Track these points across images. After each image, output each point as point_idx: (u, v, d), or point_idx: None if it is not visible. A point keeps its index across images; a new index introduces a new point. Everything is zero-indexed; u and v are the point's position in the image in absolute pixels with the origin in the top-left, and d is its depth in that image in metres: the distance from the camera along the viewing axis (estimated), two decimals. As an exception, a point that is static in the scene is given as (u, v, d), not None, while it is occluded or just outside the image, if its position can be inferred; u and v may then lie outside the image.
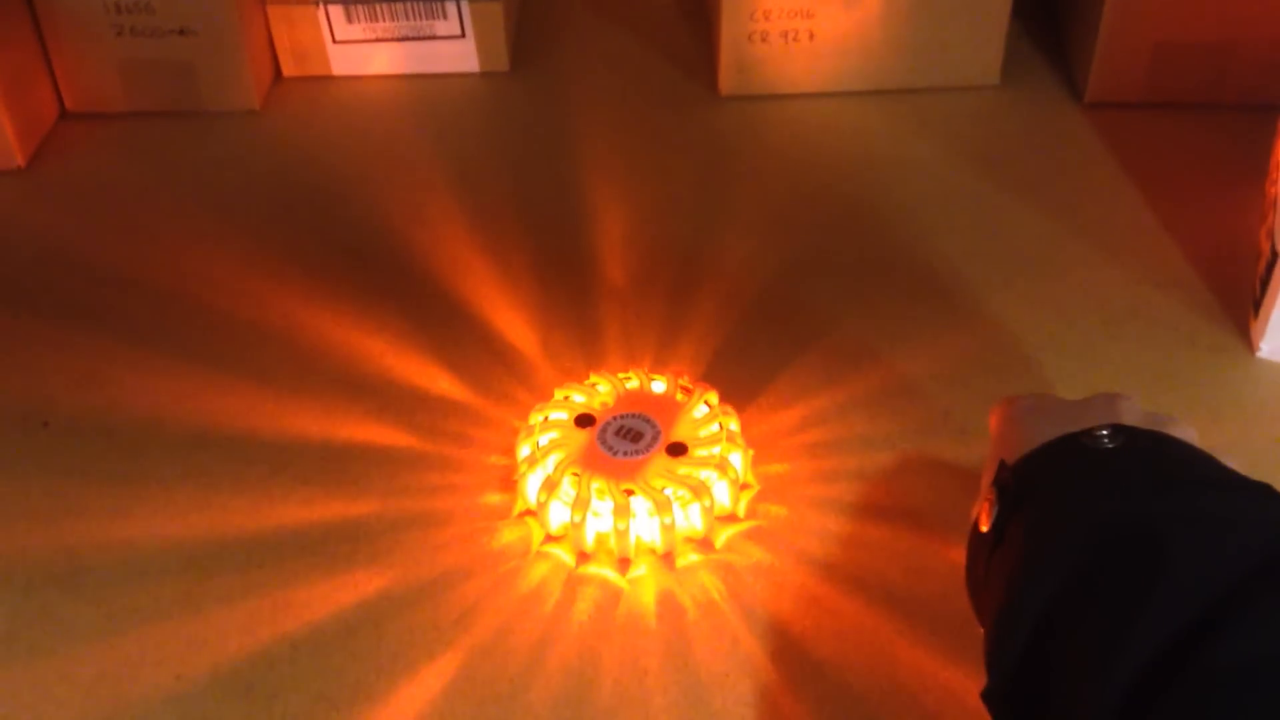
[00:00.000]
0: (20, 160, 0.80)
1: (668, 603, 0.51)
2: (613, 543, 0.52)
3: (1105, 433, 0.36)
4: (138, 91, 0.85)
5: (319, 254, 0.73)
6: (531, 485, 0.54)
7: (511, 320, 0.67)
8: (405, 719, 0.47)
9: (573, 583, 0.52)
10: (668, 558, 0.53)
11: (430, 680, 0.48)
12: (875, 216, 0.75)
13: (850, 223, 0.74)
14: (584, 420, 0.55)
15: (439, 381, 0.63)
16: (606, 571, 0.53)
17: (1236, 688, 0.27)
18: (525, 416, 0.57)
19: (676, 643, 0.50)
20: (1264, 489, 0.34)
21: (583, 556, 0.53)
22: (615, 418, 0.55)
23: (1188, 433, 0.41)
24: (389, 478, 0.58)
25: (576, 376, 0.60)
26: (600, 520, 0.52)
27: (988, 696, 0.35)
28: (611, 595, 0.52)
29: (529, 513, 0.55)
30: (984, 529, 0.38)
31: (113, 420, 0.61)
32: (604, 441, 0.54)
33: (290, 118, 0.86)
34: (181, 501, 0.57)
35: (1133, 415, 0.40)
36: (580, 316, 0.67)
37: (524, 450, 0.55)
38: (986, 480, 0.41)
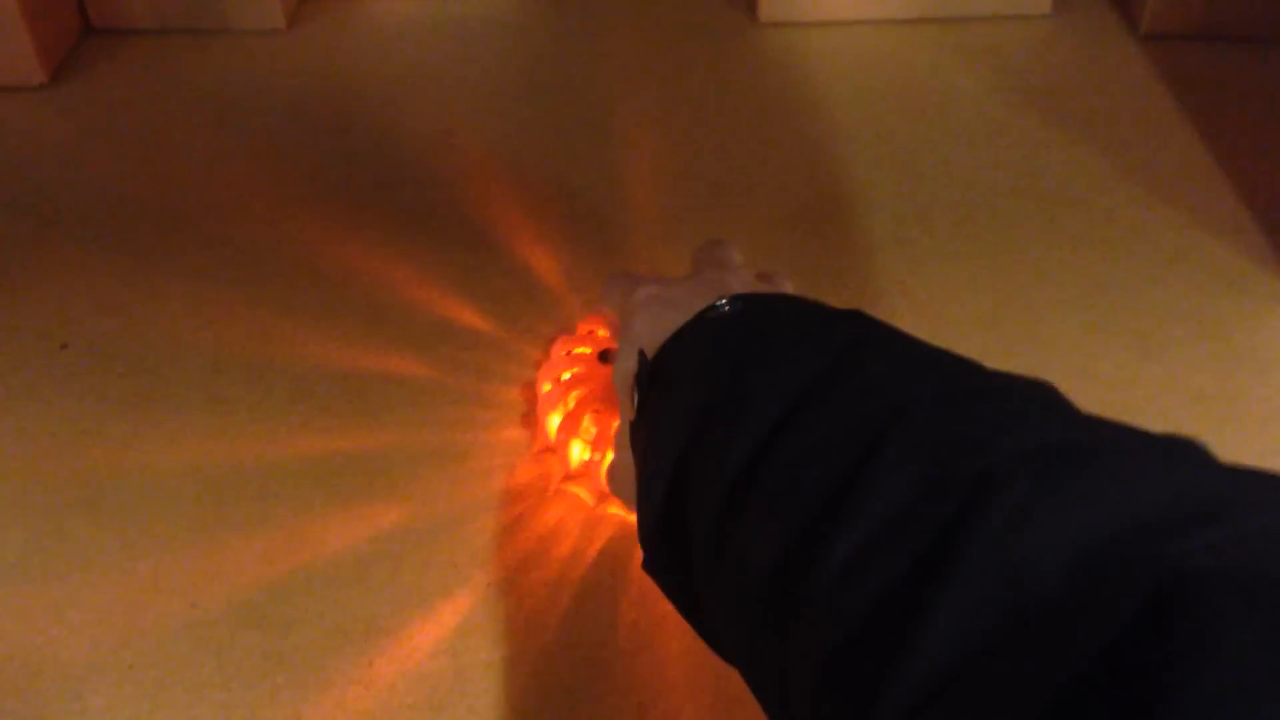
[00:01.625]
0: (44, 76, 0.79)
1: (688, 544, 0.50)
2: (634, 482, 0.51)
3: (724, 302, 0.39)
4: (163, 8, 0.83)
5: (343, 178, 0.71)
6: (552, 422, 0.53)
7: (537, 251, 0.65)
8: (419, 654, 0.46)
9: (591, 522, 0.51)
10: (690, 498, 0.52)
11: (445, 616, 0.48)
12: (916, 151, 0.72)
13: (890, 158, 0.72)
14: (607, 356, 0.54)
15: (461, 312, 0.62)
16: (625, 512, 0.52)
17: (789, 476, 0.30)
18: (548, 350, 0.56)
19: (696, 586, 0.49)
20: (850, 313, 0.37)
21: (602, 496, 0.52)
22: (640, 354, 0.54)
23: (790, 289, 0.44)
24: (408, 409, 0.57)
25: (601, 310, 0.59)
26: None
27: (646, 567, 0.38)
28: (630, 536, 0.51)
29: (549, 449, 0.54)
30: (631, 417, 0.40)
31: (131, 344, 0.61)
32: (627, 378, 0.52)
33: (316, 37, 0.84)
34: (199, 428, 0.56)
35: (741, 282, 0.42)
36: (606, 248, 0.65)
37: (545, 385, 0.54)
38: (616, 382, 0.43)
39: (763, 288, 0.43)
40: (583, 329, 0.56)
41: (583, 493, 0.52)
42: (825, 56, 0.81)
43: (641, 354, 0.40)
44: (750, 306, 0.39)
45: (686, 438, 0.35)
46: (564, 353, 0.55)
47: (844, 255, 0.64)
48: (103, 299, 0.63)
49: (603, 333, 0.55)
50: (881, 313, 0.60)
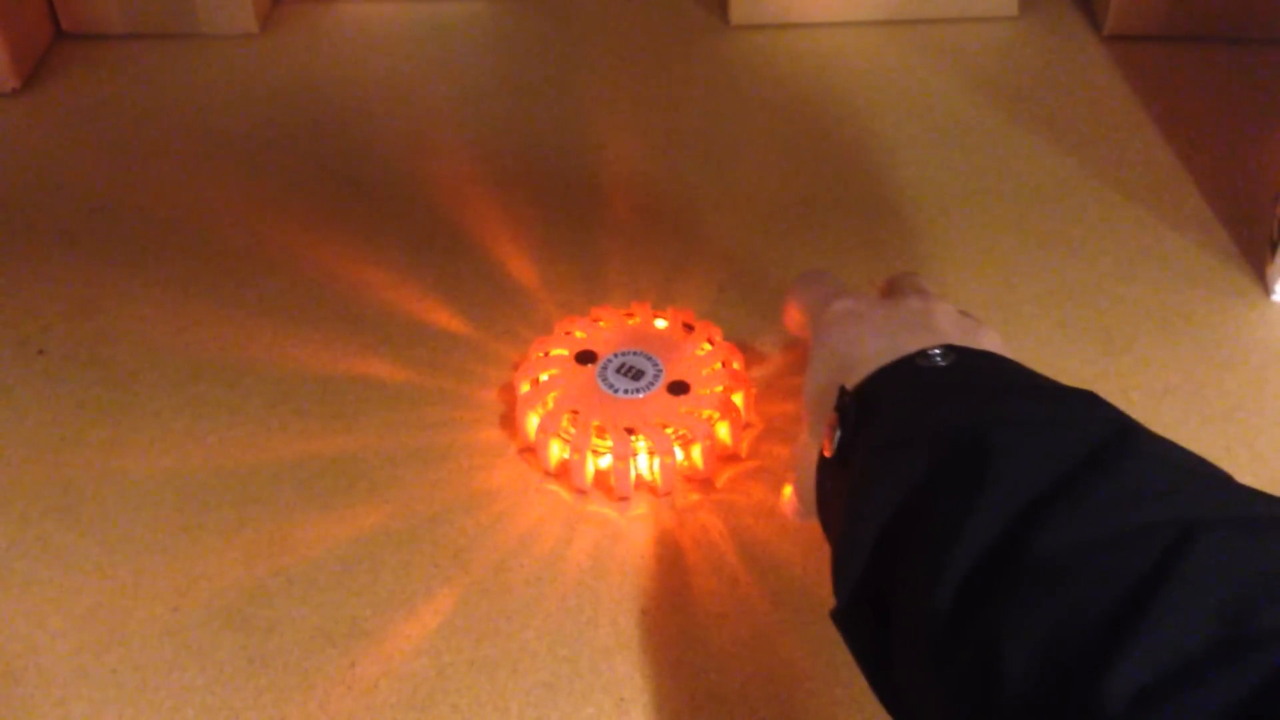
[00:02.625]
0: (15, 82, 0.78)
1: (667, 542, 0.51)
2: (612, 481, 0.52)
3: (938, 352, 0.37)
4: (134, 13, 0.83)
5: (318, 182, 0.71)
6: (530, 422, 0.53)
7: (513, 253, 0.66)
8: (401, 655, 0.47)
9: (571, 521, 0.52)
10: (668, 497, 0.52)
11: (427, 617, 0.48)
12: (886, 152, 0.73)
13: (861, 158, 0.73)
14: (585, 357, 0.55)
15: (439, 315, 0.62)
16: (606, 510, 0.52)
17: (1056, 577, 0.27)
18: (526, 352, 0.56)
19: (675, 583, 0.49)
20: (1086, 395, 0.34)
21: (582, 495, 0.52)
22: (616, 355, 0.54)
23: (993, 339, 0.42)
24: (387, 412, 0.57)
25: (578, 312, 0.59)
26: (600, 459, 0.52)
27: (836, 616, 0.35)
28: (610, 534, 0.51)
29: (528, 450, 0.54)
30: (828, 454, 0.38)
31: (108, 349, 0.61)
32: (605, 379, 0.53)
33: (289, 42, 0.84)
34: (178, 433, 0.56)
35: (947, 317, 0.41)
36: (583, 250, 0.66)
37: (523, 387, 0.54)
38: (807, 396, 0.42)
39: (968, 326, 0.41)
40: (560, 329, 0.57)
41: (563, 491, 0.53)
42: (796, 59, 0.82)
43: (843, 389, 0.38)
44: (965, 361, 0.37)
45: (907, 504, 0.32)
46: (542, 353, 0.55)
47: (817, 256, 0.65)
48: (79, 304, 0.63)
49: (580, 334, 0.56)
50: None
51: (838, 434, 0.38)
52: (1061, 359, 0.59)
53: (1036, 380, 0.36)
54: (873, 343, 0.39)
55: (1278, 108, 0.67)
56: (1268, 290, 0.62)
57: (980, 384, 0.36)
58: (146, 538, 0.52)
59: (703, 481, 0.53)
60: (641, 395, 0.53)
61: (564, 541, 0.51)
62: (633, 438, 0.51)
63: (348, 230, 0.67)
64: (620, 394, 0.53)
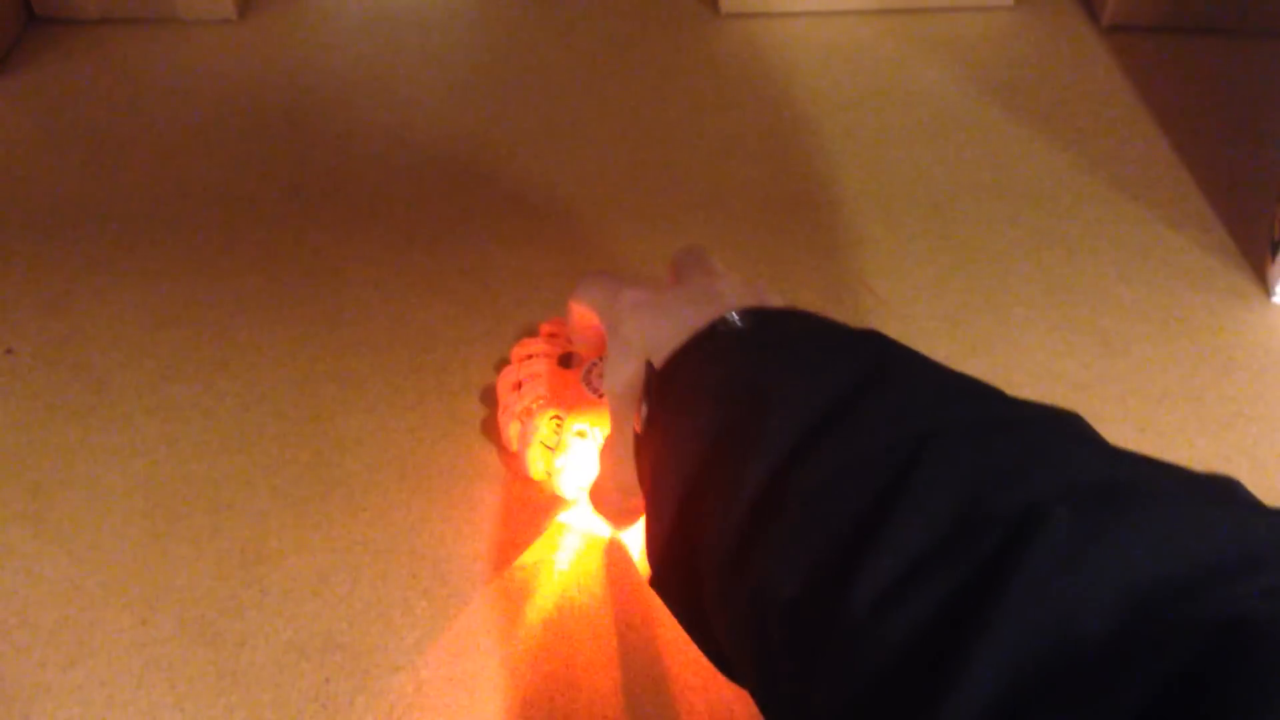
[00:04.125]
0: (-15, 70, 0.76)
1: (652, 553, 0.49)
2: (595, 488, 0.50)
3: (736, 316, 0.38)
4: (109, -3, 0.81)
5: (296, 176, 0.70)
6: (512, 427, 0.52)
7: (496, 251, 0.64)
8: (378, 671, 0.45)
9: (554, 531, 0.50)
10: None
11: (405, 631, 0.47)
12: (879, 145, 0.71)
13: (853, 151, 0.71)
14: (568, 360, 0.53)
15: (420, 314, 0.60)
16: (589, 519, 0.51)
17: (813, 503, 0.29)
18: (508, 353, 0.55)
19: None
20: (867, 333, 0.36)
21: (565, 503, 0.51)
22: (601, 358, 0.53)
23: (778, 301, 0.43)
24: (365, 414, 0.55)
25: (561, 312, 0.57)
26: (584, 465, 0.50)
27: (653, 584, 0.37)
28: (594, 544, 0.50)
29: (510, 455, 0.53)
30: (638, 429, 0.39)
31: (79, 349, 0.59)
32: (588, 383, 0.52)
33: (268, 28, 0.82)
34: (150, 436, 0.55)
35: (733, 290, 0.41)
36: (568, 246, 0.64)
37: (505, 389, 0.52)
38: (611, 391, 0.42)
39: (754, 291, 0.42)
40: (544, 331, 0.55)
41: (545, 500, 0.51)
42: (787, 48, 0.80)
43: (649, 365, 0.39)
44: (761, 321, 0.38)
45: (701, 458, 0.34)
46: (524, 355, 0.54)
47: (808, 252, 0.64)
48: (49, 301, 0.62)
49: (564, 336, 0.54)
50: (845, 313, 0.59)
51: (644, 409, 0.39)
52: (1057, 361, 0.57)
53: (820, 327, 0.38)
54: (666, 325, 0.40)
55: (1278, 101, 0.65)
56: (1268, 292, 0.61)
57: (770, 338, 0.37)
58: (116, 546, 0.50)
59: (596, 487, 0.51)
60: (627, 400, 0.51)
61: (546, 552, 0.50)
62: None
63: (326, 226, 0.66)
64: (604, 397, 0.51)
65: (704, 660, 0.45)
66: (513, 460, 0.52)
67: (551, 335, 0.54)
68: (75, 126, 0.74)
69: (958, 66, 0.78)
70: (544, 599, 0.48)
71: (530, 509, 0.51)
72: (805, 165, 0.70)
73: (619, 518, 0.48)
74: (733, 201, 0.67)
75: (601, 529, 0.50)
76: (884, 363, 0.33)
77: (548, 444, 0.50)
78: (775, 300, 0.42)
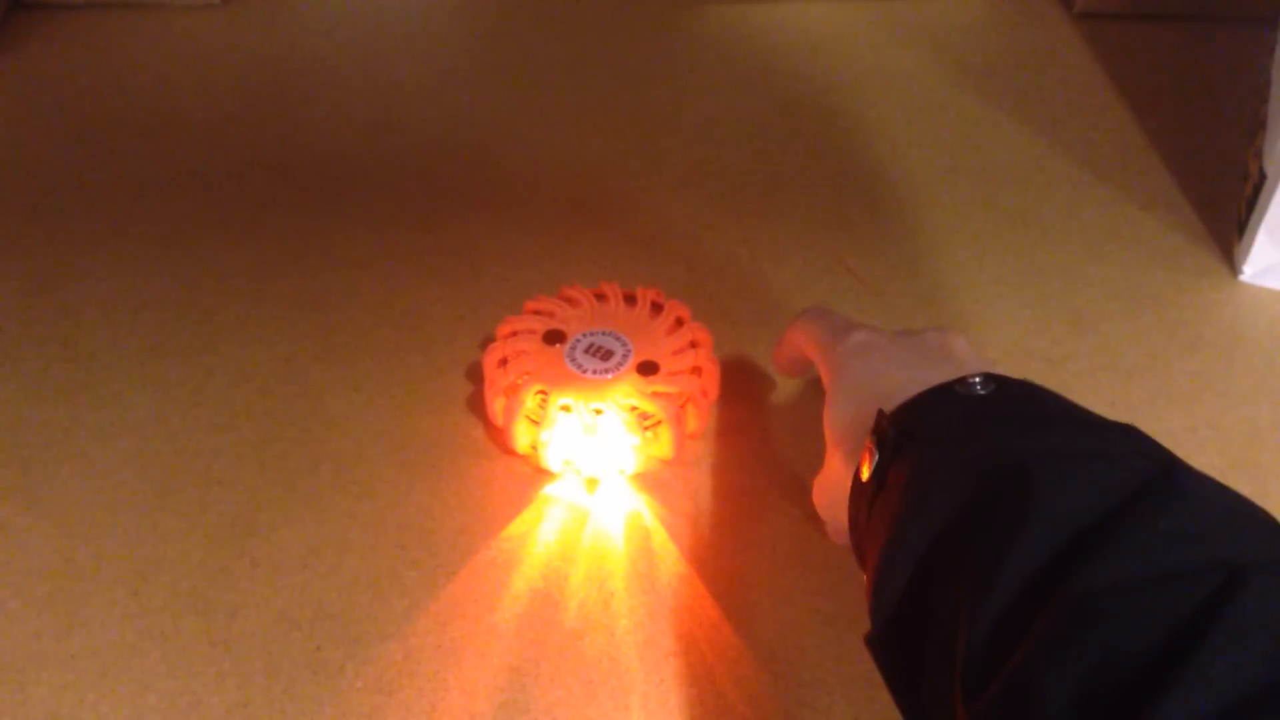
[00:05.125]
0: (-31, 53, 0.76)
1: (636, 525, 0.51)
2: (581, 462, 0.51)
3: (978, 380, 0.37)
4: (92, -18, 0.81)
5: (282, 158, 0.70)
6: (498, 403, 0.53)
7: (480, 232, 0.65)
8: (368, 639, 0.46)
9: (539, 503, 0.51)
10: (637, 478, 0.52)
11: (393, 600, 0.48)
12: (855, 129, 0.73)
13: (830, 136, 0.72)
14: (553, 336, 0.54)
15: (405, 293, 0.61)
16: (574, 492, 0.52)
17: (1099, 614, 0.27)
18: (493, 331, 0.55)
19: (643, 564, 0.49)
20: (1127, 428, 0.34)
21: (550, 476, 0.52)
22: (585, 334, 0.54)
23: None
24: (353, 392, 0.56)
25: (546, 291, 0.58)
26: (568, 440, 0.51)
27: (871, 642, 0.35)
28: (579, 515, 0.51)
29: (496, 430, 0.54)
30: (864, 478, 0.38)
31: (68, 327, 0.59)
32: (573, 359, 0.53)
33: (254, 14, 0.83)
34: (139, 412, 0.55)
35: (967, 351, 0.42)
36: (551, 229, 0.65)
37: (491, 366, 0.53)
38: (833, 427, 0.42)
39: (985, 362, 0.42)
40: (529, 308, 0.56)
41: (530, 473, 0.52)
42: (766, 34, 0.81)
43: (881, 412, 0.38)
44: (1004, 391, 0.37)
45: (946, 529, 0.32)
46: (510, 332, 0.55)
47: (787, 233, 0.65)
48: (37, 281, 0.62)
49: (548, 313, 0.55)
50: (823, 292, 0.61)
51: (875, 459, 0.37)
52: (1029, 338, 0.59)
53: (1076, 411, 0.36)
54: (899, 373, 0.40)
55: (1245, 87, 0.67)
56: (1235, 271, 0.62)
57: (1020, 413, 0.36)
58: (107, 520, 0.51)
59: (672, 461, 0.53)
60: (611, 375, 0.52)
61: (531, 523, 0.51)
62: (601, 418, 0.50)
63: (312, 207, 0.66)
64: (589, 374, 0.52)
65: (686, 627, 0.46)
66: (499, 434, 0.53)
67: (536, 313, 0.55)
68: (61, 110, 0.74)
69: (934, 52, 0.79)
70: (530, 569, 0.49)
71: (516, 482, 0.52)
72: (785, 148, 0.71)
73: (837, 535, 0.46)
74: (713, 183, 0.68)
75: (586, 501, 0.51)
76: (1167, 469, 0.31)
77: (533, 418, 0.51)
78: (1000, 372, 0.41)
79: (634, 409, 0.51)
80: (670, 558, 0.49)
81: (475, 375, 0.56)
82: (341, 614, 0.47)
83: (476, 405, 0.55)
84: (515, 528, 0.50)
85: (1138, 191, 0.68)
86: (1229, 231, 0.64)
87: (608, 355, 0.53)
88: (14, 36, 0.80)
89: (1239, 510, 0.30)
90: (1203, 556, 0.27)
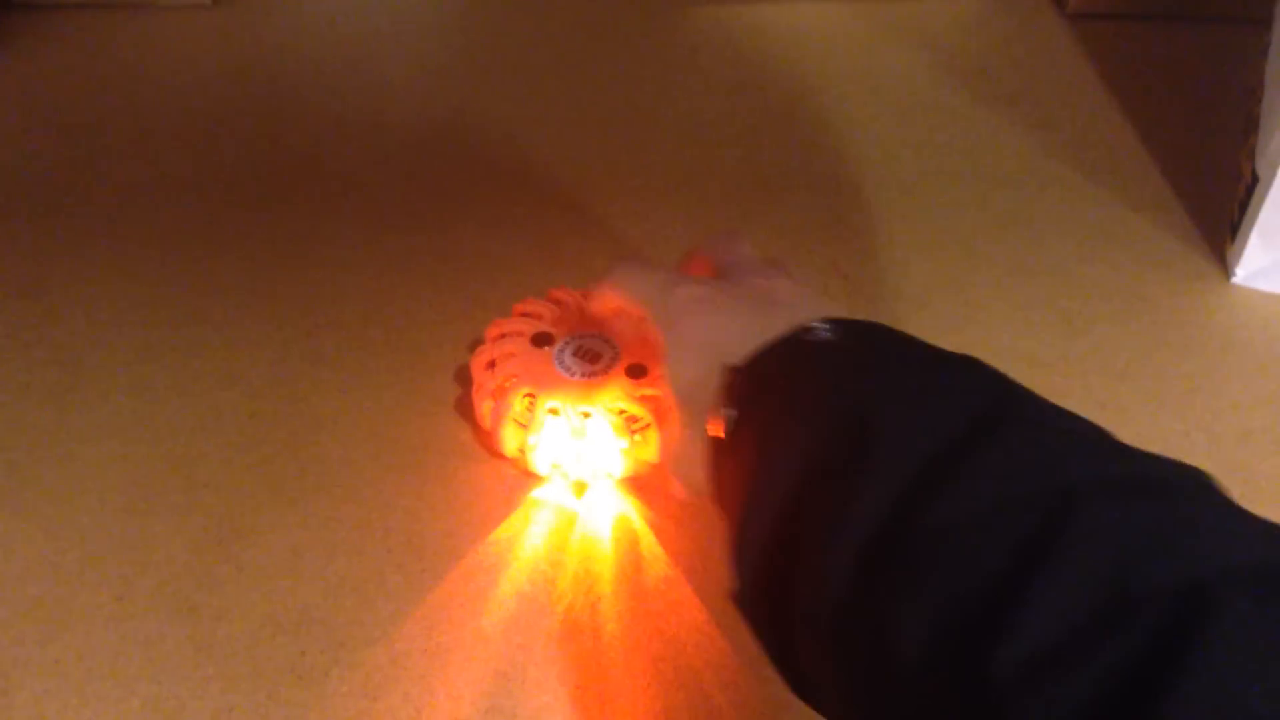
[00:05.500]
0: (-42, 53, 0.76)
1: (623, 528, 0.50)
2: (568, 466, 0.51)
3: (821, 326, 0.37)
4: (82, -18, 0.81)
5: (271, 159, 0.70)
6: (486, 406, 0.52)
7: (470, 233, 0.65)
8: (353, 643, 0.46)
9: (526, 507, 0.51)
10: (626, 482, 0.52)
11: (379, 604, 0.47)
12: (848, 130, 0.72)
13: (821, 136, 0.72)
14: (541, 339, 0.54)
15: (394, 295, 0.61)
16: (562, 495, 0.52)
17: (945, 547, 0.27)
18: (481, 333, 0.55)
19: (630, 569, 0.49)
20: (966, 360, 0.34)
21: (537, 480, 0.52)
22: (573, 337, 0.54)
23: (834, 306, 0.42)
24: (341, 394, 0.56)
25: (535, 293, 0.58)
26: (556, 443, 0.51)
27: (736, 599, 0.36)
28: (566, 519, 0.51)
29: (484, 433, 0.53)
30: (720, 435, 0.38)
31: (55, 330, 0.59)
32: (561, 362, 0.52)
33: (244, 14, 0.82)
34: (125, 415, 0.55)
35: (793, 292, 0.42)
36: (541, 231, 0.65)
37: (479, 369, 0.53)
38: (677, 387, 0.42)
39: (809, 295, 0.42)
40: (517, 310, 0.56)
41: (518, 476, 0.52)
42: (758, 34, 0.81)
43: (733, 369, 0.38)
44: (850, 334, 0.37)
45: (797, 484, 0.32)
46: (498, 334, 0.54)
47: (778, 234, 0.65)
48: (24, 282, 0.62)
49: (537, 316, 0.55)
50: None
51: (728, 414, 0.38)
52: (1020, 341, 0.59)
53: (918, 349, 0.36)
54: (734, 325, 0.39)
55: (1240, 87, 0.67)
56: (1227, 273, 0.62)
57: (864, 356, 0.36)
58: (92, 523, 0.51)
59: (659, 465, 0.52)
60: (599, 378, 0.52)
61: (519, 527, 0.50)
62: (589, 422, 0.50)
63: (301, 208, 0.66)
64: (577, 377, 0.52)
65: (673, 631, 0.46)
66: (487, 437, 0.53)
67: (525, 315, 0.55)
68: (50, 111, 0.74)
69: (926, 52, 0.79)
70: (517, 572, 0.49)
71: (503, 485, 0.52)
72: (776, 149, 0.71)
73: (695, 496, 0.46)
74: (704, 184, 0.68)
75: (574, 504, 0.51)
76: (1002, 398, 0.32)
77: (520, 421, 0.51)
78: (832, 306, 0.41)
79: (622, 412, 0.50)
80: (658, 561, 0.49)
81: (463, 378, 0.56)
82: (327, 618, 0.47)
83: (464, 408, 0.55)
84: (502, 531, 0.50)
85: (1129, 193, 0.67)
86: (1221, 233, 0.64)
87: (596, 358, 0.53)
88: (5, 35, 0.79)
89: (1074, 430, 0.31)
90: (1038, 482, 0.28)
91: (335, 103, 0.75)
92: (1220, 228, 0.64)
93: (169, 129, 0.72)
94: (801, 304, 0.41)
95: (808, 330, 0.37)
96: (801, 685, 0.34)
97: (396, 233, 0.64)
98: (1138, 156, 0.70)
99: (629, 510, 0.51)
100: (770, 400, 0.36)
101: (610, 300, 0.47)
